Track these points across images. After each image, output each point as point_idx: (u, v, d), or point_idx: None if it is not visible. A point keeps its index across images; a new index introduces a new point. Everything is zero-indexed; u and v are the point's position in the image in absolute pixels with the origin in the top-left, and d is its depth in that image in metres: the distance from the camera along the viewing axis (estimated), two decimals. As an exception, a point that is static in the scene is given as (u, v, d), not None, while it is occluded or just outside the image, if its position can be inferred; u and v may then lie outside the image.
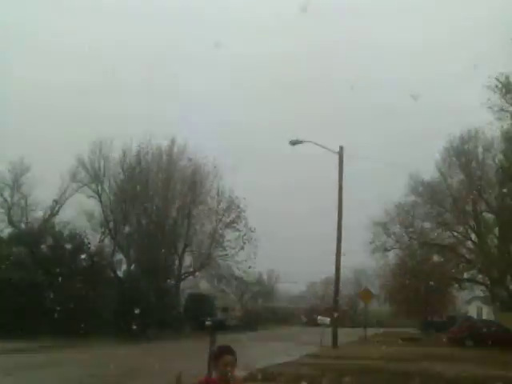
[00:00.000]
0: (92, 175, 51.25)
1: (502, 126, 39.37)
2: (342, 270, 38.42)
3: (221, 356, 5.74)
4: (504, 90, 37.06)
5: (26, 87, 64.20)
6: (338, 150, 37.57)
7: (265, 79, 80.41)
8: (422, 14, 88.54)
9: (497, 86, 37.07)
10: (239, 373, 6.01)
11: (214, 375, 5.77)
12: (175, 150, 52.82)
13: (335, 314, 37.58)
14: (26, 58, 66.72)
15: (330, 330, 37.13)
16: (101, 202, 51.71)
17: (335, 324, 37.50)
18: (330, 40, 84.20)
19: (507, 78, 36.85)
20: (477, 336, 38.97)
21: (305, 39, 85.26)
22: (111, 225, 52.26)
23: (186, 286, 59.27)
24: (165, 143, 52.58)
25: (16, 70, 62.84)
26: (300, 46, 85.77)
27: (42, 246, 42.64)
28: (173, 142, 52.42)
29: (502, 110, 37.35)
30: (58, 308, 34.10)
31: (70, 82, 66.18)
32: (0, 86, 59.29)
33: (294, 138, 37.39)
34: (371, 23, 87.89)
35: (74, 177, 50.80)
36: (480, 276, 51.03)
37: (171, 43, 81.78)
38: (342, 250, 37.35)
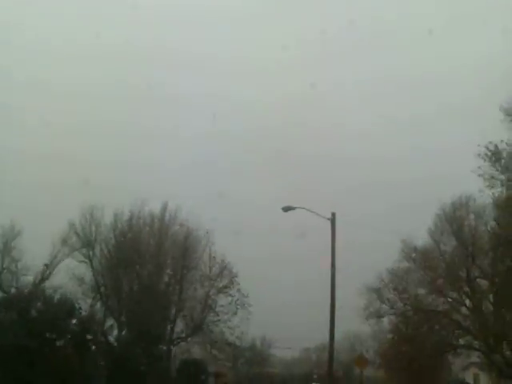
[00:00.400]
0: (83, 240, 51.37)
1: (494, 194, 39.74)
2: (336, 336, 38.18)
3: None
4: (494, 159, 37.55)
5: (16, 155, 64.57)
6: (330, 216, 37.74)
7: (254, 150, 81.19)
8: (409, 92, 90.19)
9: (486, 155, 37.64)
10: None
11: None
12: (167, 215, 53.19)
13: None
14: (18, 131, 67.42)
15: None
16: (92, 267, 51.65)
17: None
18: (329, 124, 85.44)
19: (496, 146, 37.43)
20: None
21: (299, 116, 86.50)
22: (102, 290, 52.05)
23: (178, 352, 58.53)
24: (157, 209, 52.99)
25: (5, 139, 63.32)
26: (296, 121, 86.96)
27: (32, 311, 42.25)
28: (165, 207, 52.92)
29: (492, 177, 37.78)
30: (48, 374, 33.65)
31: (63, 150, 66.80)
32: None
33: (286, 205, 37.80)
34: (357, 105, 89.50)
35: (65, 242, 50.90)
36: (476, 342, 50.43)
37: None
38: (336, 317, 37.15)
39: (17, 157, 63.95)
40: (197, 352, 62.40)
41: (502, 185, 38.62)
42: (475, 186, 39.98)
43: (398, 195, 73.12)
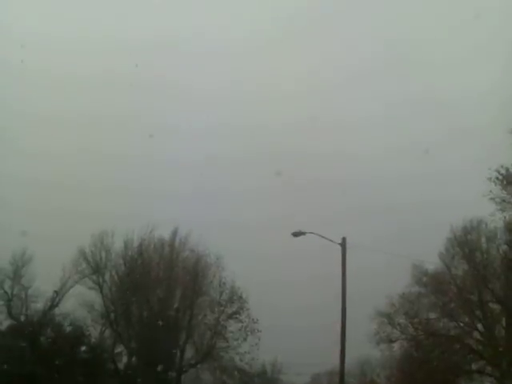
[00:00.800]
0: (93, 267, 51.36)
1: (505, 217, 39.63)
2: (346, 361, 37.92)
3: None
4: (505, 182, 37.47)
5: (26, 185, 64.80)
6: (340, 241, 37.65)
7: (265, 175, 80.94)
8: (419, 115, 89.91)
9: (497, 178, 37.57)
10: None
11: None
12: (177, 241, 53.16)
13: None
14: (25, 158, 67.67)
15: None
16: (102, 293, 51.51)
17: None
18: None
19: (507, 169, 37.36)
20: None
21: (305, 144, 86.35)
22: (112, 316, 51.84)
23: (188, 379, 58.04)
24: (167, 234, 53.02)
25: (15, 169, 63.62)
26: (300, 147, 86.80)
27: (42, 338, 42.26)
28: (175, 233, 52.87)
29: (503, 201, 37.68)
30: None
31: (73, 178, 67.12)
32: (1, 185, 59.78)
33: (297, 230, 37.74)
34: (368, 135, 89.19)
35: (75, 268, 50.92)
36: (488, 367, 49.93)
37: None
38: (347, 342, 36.89)
39: (29, 184, 64.16)
40: (206, 378, 61.87)
41: (514, 208, 38.46)
42: (486, 210, 39.87)
43: (409, 219, 72.73)
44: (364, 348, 54.30)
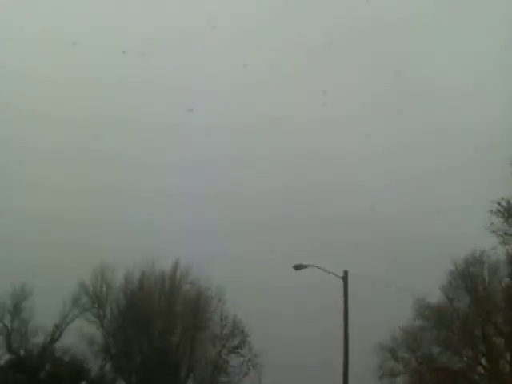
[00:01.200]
0: (94, 300, 51.28)
1: (507, 250, 39.44)
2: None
3: None
4: (506, 215, 37.39)
5: (26, 218, 64.88)
6: (342, 274, 37.39)
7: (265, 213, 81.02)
8: (419, 148, 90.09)
9: (499, 211, 37.50)
10: None
11: None
12: (178, 274, 52.99)
13: None
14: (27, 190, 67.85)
15: None
16: (102, 327, 51.30)
17: None
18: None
19: (508, 202, 37.32)
20: None
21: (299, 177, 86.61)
22: (113, 350, 51.52)
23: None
24: (168, 267, 52.89)
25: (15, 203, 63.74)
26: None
27: (42, 373, 41.93)
28: (176, 266, 52.73)
29: (505, 234, 37.55)
30: None
31: (73, 211, 67.20)
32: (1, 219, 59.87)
33: (298, 263, 37.52)
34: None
35: (75, 302, 50.76)
36: (493, 402, 49.45)
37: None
38: (350, 376, 36.47)
39: (29, 217, 64.19)
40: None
41: (516, 241, 38.30)
42: (488, 243, 39.71)
43: (410, 252, 72.59)
44: (367, 383, 53.82)
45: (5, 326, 49.93)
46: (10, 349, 49.10)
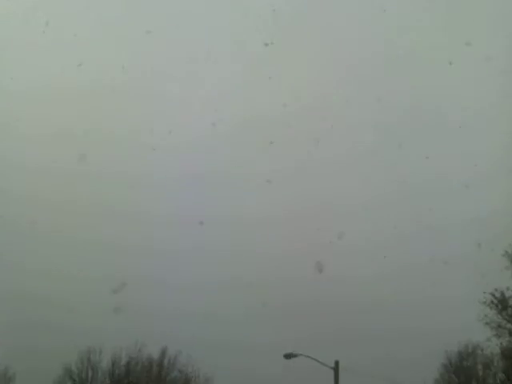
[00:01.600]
0: (78, 385, 50.25)
1: (501, 343, 38.73)
2: None
3: None
4: (500, 307, 36.91)
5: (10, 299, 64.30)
6: (332, 364, 36.77)
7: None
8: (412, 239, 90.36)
9: (492, 302, 37.01)
10: None
11: None
12: (166, 360, 52.22)
13: None
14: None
15: None
16: (87, 413, 50.09)
17: None
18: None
19: (502, 293, 36.87)
20: None
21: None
22: None
23: None
24: (156, 353, 52.13)
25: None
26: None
27: None
28: (163, 352, 52.02)
29: (499, 326, 36.94)
30: None
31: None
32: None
33: (288, 352, 36.98)
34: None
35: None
36: None
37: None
38: None
39: (15, 298, 63.46)
40: None
41: (510, 334, 37.67)
42: (482, 335, 39.10)
43: (402, 344, 71.81)
44: None
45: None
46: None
